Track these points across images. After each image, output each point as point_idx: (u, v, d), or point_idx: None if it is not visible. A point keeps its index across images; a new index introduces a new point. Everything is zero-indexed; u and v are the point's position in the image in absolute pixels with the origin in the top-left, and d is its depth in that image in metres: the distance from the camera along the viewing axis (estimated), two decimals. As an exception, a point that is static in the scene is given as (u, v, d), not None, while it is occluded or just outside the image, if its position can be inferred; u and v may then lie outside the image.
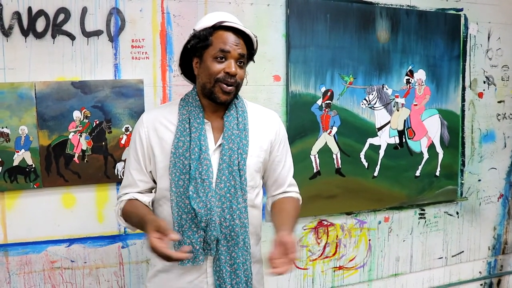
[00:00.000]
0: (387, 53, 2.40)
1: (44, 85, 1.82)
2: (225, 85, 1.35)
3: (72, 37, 1.86)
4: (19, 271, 1.88)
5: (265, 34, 2.15)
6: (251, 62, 1.47)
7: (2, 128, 1.79)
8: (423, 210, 2.62)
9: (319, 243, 2.39)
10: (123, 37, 1.93)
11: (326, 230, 2.40)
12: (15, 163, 1.82)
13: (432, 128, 2.56)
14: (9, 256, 1.87)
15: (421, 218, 2.62)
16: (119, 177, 1.93)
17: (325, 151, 2.30)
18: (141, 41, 1.95)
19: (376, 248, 2.53)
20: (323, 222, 2.38)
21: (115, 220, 1.95)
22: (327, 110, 2.29)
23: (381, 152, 2.44)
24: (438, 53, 2.52)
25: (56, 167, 1.86)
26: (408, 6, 2.44)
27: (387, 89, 2.42)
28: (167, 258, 1.20)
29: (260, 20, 2.14)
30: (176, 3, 2.00)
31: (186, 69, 1.47)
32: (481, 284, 2.89)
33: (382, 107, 2.42)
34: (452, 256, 2.76)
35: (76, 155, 1.89)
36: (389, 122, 2.44)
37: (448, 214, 2.71)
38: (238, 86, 1.39)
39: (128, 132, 1.94)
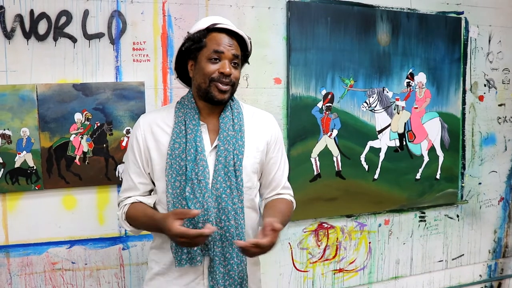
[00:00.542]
0: (387, 56, 2.40)
1: (45, 87, 1.83)
2: (220, 84, 1.36)
3: (73, 40, 1.87)
4: (20, 272, 1.89)
5: (266, 37, 2.15)
6: (251, 65, 1.48)
7: (4, 130, 1.80)
8: (424, 213, 2.62)
9: (319, 246, 2.39)
10: (124, 40, 1.93)
11: (326, 233, 2.40)
12: (17, 165, 1.83)
13: (432, 131, 2.56)
14: (10, 258, 1.87)
15: (421, 221, 2.62)
16: (120, 179, 1.93)
17: (325, 154, 2.30)
18: (142, 44, 1.96)
19: (376, 250, 2.53)
20: (323, 224, 2.38)
21: (116, 222, 1.97)
22: (327, 112, 2.29)
23: (382, 155, 2.44)
24: (439, 56, 2.52)
25: (57, 169, 1.87)
26: (408, 9, 2.44)
27: (387, 92, 2.42)
28: (200, 237, 1.22)
29: (261, 23, 2.15)
30: (177, 6, 2.00)
31: (182, 73, 1.49)
32: None
33: (383, 110, 2.42)
34: (453, 259, 2.75)
35: (77, 157, 1.90)
36: (389, 125, 2.45)
37: (449, 217, 2.71)
38: (233, 86, 1.39)
39: (129, 135, 1.95)
